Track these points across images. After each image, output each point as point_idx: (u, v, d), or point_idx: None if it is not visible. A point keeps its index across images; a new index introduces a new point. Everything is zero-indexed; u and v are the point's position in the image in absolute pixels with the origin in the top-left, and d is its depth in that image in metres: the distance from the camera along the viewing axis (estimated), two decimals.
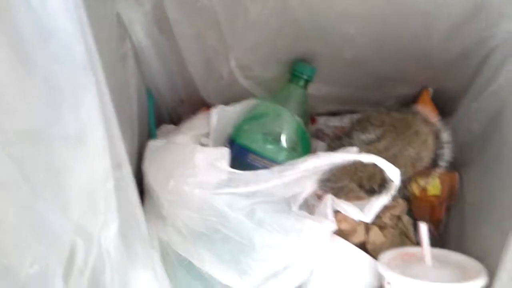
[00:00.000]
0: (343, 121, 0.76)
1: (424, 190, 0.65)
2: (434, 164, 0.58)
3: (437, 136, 0.57)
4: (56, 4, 0.31)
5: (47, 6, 0.30)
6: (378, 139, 0.55)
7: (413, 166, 0.56)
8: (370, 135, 0.56)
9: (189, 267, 0.54)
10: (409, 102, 0.71)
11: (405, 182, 0.58)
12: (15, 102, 0.29)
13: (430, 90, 0.69)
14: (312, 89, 0.65)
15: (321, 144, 0.72)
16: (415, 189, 0.65)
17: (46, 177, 0.32)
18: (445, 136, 0.58)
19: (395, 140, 0.55)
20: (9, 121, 0.29)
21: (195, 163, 0.51)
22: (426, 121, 0.57)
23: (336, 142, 0.59)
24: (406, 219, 0.64)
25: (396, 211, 0.64)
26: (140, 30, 0.58)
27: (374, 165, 0.51)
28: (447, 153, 0.58)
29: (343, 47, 0.60)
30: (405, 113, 0.58)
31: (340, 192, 0.56)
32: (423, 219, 0.62)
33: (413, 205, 0.67)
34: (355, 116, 0.68)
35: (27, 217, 0.30)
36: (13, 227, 0.29)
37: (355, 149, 0.54)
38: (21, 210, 0.30)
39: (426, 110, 0.60)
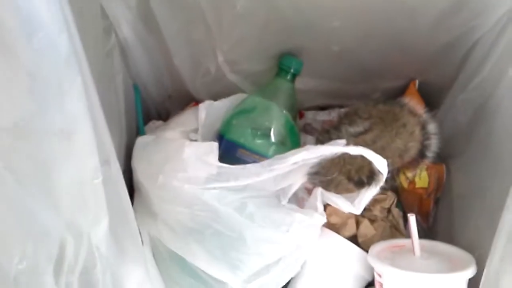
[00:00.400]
0: (331, 115, 0.76)
1: (411, 182, 0.66)
2: (421, 155, 0.58)
3: (424, 128, 0.57)
4: None
5: None
6: (366, 131, 0.55)
7: (400, 157, 0.56)
8: (358, 128, 0.56)
9: (181, 263, 0.53)
10: (396, 94, 0.71)
11: (393, 174, 0.58)
12: (0, 97, 0.29)
13: (417, 82, 0.69)
14: (300, 83, 0.65)
15: (309, 138, 0.72)
16: (403, 181, 0.66)
17: (33, 171, 0.32)
18: (432, 127, 0.58)
19: (382, 132, 0.55)
20: None
21: (184, 158, 0.51)
22: (413, 113, 0.58)
23: (324, 136, 0.59)
24: (396, 211, 0.65)
25: (386, 204, 0.64)
26: (125, 24, 0.57)
27: (362, 157, 0.51)
28: (434, 144, 0.58)
29: (329, 40, 0.61)
30: (392, 106, 0.59)
31: (329, 185, 0.56)
32: (412, 211, 0.63)
33: (401, 197, 0.67)
34: (343, 110, 0.68)
35: (14, 212, 0.30)
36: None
37: (343, 141, 0.54)
38: (8, 204, 0.29)
39: (413, 101, 0.60)
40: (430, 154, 0.58)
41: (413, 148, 0.57)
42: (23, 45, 0.30)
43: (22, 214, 0.31)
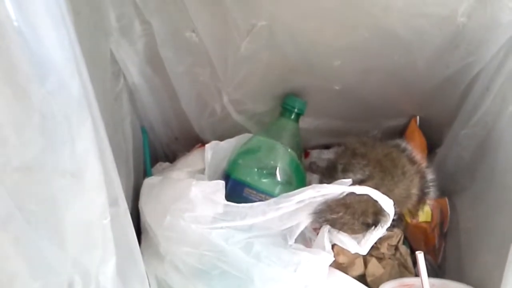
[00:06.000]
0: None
1: (415, 217, 0.65)
2: (420, 200, 0.58)
3: (423, 177, 0.58)
4: (52, 41, 0.31)
5: (43, 42, 0.31)
6: (366, 179, 0.55)
7: (402, 203, 0.56)
8: (358, 176, 0.56)
9: None
10: (398, 132, 0.72)
11: (399, 214, 0.58)
12: (12, 136, 0.30)
13: (418, 118, 0.70)
14: (304, 122, 0.66)
15: (315, 177, 0.72)
16: (406, 216, 0.65)
17: (42, 210, 0.32)
18: (430, 175, 0.58)
19: (382, 180, 0.55)
20: (5, 154, 0.29)
21: (191, 197, 0.51)
22: (412, 161, 0.58)
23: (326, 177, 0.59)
24: (403, 249, 0.64)
25: (393, 241, 0.64)
26: (133, 68, 0.59)
27: (368, 198, 0.51)
28: (433, 192, 0.59)
29: (330, 79, 0.62)
30: (390, 148, 0.59)
31: (335, 224, 0.56)
32: (418, 246, 0.62)
33: (406, 233, 0.67)
34: (339, 150, 0.65)
35: (23, 250, 0.30)
36: (8, 257, 0.29)
37: (349, 181, 0.54)
38: (17, 243, 0.29)
39: (411, 146, 0.60)
40: (429, 199, 0.59)
41: (414, 196, 0.57)
42: (36, 87, 0.31)
43: (31, 253, 0.31)
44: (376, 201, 0.51)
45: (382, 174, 0.55)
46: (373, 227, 0.54)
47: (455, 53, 0.56)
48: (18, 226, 0.30)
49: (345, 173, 0.56)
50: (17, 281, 0.30)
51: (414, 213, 0.62)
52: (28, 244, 0.31)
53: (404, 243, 0.65)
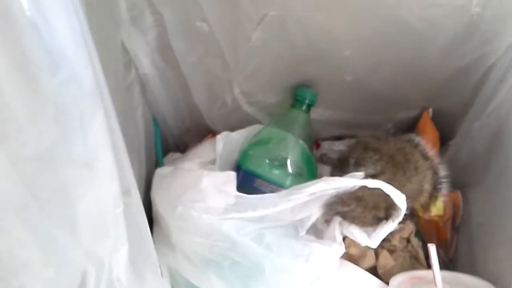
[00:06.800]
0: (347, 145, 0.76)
1: (427, 211, 0.65)
2: (433, 195, 0.58)
3: (435, 172, 0.57)
4: (64, 31, 0.31)
5: (55, 33, 0.31)
6: (378, 174, 0.55)
7: (414, 198, 0.56)
8: (369, 170, 0.55)
9: None
10: (410, 124, 0.71)
11: (411, 209, 0.58)
12: (25, 127, 0.30)
13: (430, 110, 0.69)
14: (315, 113, 0.66)
15: (326, 168, 0.72)
16: (418, 210, 0.65)
17: (55, 199, 0.32)
18: (443, 171, 0.58)
19: (394, 175, 0.55)
20: (20, 144, 0.30)
21: (202, 187, 0.52)
22: (425, 156, 0.58)
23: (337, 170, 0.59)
24: (415, 241, 0.64)
25: (405, 234, 0.63)
26: (144, 59, 0.59)
27: (380, 192, 0.51)
28: (445, 187, 0.59)
29: (341, 70, 0.62)
30: (403, 142, 0.59)
31: (346, 217, 0.56)
32: (430, 240, 0.62)
33: (418, 226, 0.66)
34: (352, 143, 0.65)
35: (37, 239, 0.30)
36: (23, 245, 0.29)
37: (361, 174, 0.54)
38: (32, 231, 0.30)
39: (424, 140, 0.60)
40: (441, 195, 0.58)
41: (426, 191, 0.57)
42: (49, 78, 0.31)
43: (45, 241, 0.31)
44: (388, 195, 0.51)
45: (394, 169, 0.55)
46: (384, 221, 0.54)
47: (469, 43, 0.55)
48: (33, 214, 0.30)
49: (357, 167, 0.56)
50: (32, 268, 0.30)
51: (426, 208, 0.61)
52: (43, 232, 0.31)
53: (416, 235, 0.65)
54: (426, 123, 0.69)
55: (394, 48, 0.57)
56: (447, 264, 0.66)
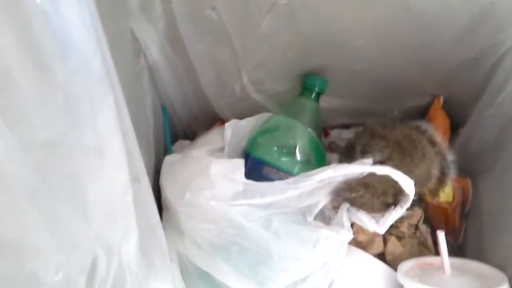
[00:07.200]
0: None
1: (436, 197, 0.65)
2: (441, 181, 0.58)
3: (443, 158, 0.57)
4: (74, 19, 0.32)
5: (65, 20, 0.31)
6: (385, 161, 0.55)
7: (422, 184, 0.56)
8: (377, 157, 0.55)
9: (208, 280, 0.54)
10: (421, 112, 0.71)
11: (419, 195, 0.58)
12: (36, 113, 0.30)
13: (441, 98, 0.69)
14: (324, 102, 0.65)
15: (334, 156, 0.72)
16: (427, 197, 0.65)
17: (66, 185, 0.33)
18: (451, 156, 0.58)
19: (402, 162, 0.55)
20: (31, 130, 0.30)
21: (211, 175, 0.52)
22: (432, 142, 0.58)
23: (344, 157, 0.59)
24: (423, 228, 0.64)
25: (414, 220, 0.63)
26: (153, 46, 0.59)
27: (388, 178, 0.51)
28: (453, 172, 0.58)
29: (352, 59, 0.61)
30: (410, 129, 0.58)
31: (354, 203, 0.56)
32: (438, 226, 0.62)
33: (427, 213, 0.66)
34: (358, 130, 0.65)
35: (48, 222, 0.31)
36: (35, 229, 0.30)
37: (369, 161, 0.54)
38: (44, 217, 0.30)
39: (432, 127, 0.60)
40: (449, 180, 0.58)
41: (434, 177, 0.57)
42: (59, 65, 0.32)
43: (56, 226, 0.32)
44: (396, 181, 0.51)
45: (401, 156, 0.55)
46: (392, 207, 0.54)
47: (481, 31, 0.55)
48: (44, 200, 0.31)
49: (363, 154, 0.56)
50: (43, 253, 0.31)
51: (434, 193, 0.61)
52: (54, 217, 0.32)
53: (424, 222, 0.65)
54: (437, 110, 0.69)
55: (406, 36, 0.57)
56: (455, 250, 0.66)
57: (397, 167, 0.52)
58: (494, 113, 0.60)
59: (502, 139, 0.59)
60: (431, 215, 0.66)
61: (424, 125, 0.60)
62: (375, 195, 0.54)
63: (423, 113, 0.71)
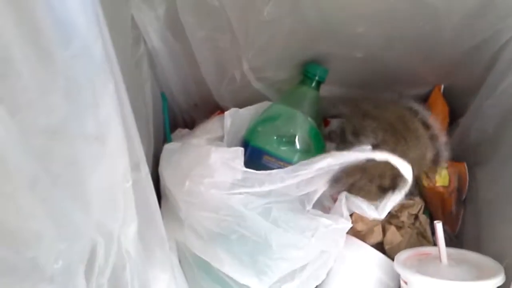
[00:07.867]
0: None
1: (432, 181, 0.65)
2: (436, 163, 0.58)
3: (436, 140, 0.57)
4: (75, 5, 0.31)
5: (66, 6, 0.31)
6: (379, 144, 0.55)
7: (417, 167, 0.56)
8: (370, 140, 0.55)
9: (207, 269, 0.54)
10: (421, 101, 0.71)
11: (416, 180, 0.58)
12: (37, 100, 0.30)
13: (442, 86, 0.69)
14: (324, 91, 0.65)
15: (334, 145, 0.72)
16: (424, 180, 0.65)
17: (67, 172, 0.33)
18: (444, 138, 0.58)
19: (396, 145, 0.55)
20: (32, 117, 0.30)
21: (210, 163, 0.52)
22: (425, 125, 0.58)
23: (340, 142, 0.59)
24: (423, 218, 0.64)
25: (414, 210, 0.64)
26: (153, 33, 0.59)
27: (385, 164, 0.51)
28: (446, 154, 0.58)
29: (353, 47, 0.61)
30: (402, 109, 0.58)
31: (352, 189, 0.56)
32: (435, 211, 0.62)
33: (423, 197, 0.66)
34: (348, 108, 0.65)
35: (49, 210, 0.31)
36: (36, 217, 0.30)
37: (368, 147, 0.54)
38: (44, 204, 0.30)
39: (423, 108, 0.60)
40: (444, 161, 0.58)
41: (428, 159, 0.57)
42: (60, 51, 0.31)
43: (57, 214, 0.32)
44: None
45: (395, 139, 0.55)
46: (390, 192, 0.54)
47: (484, 20, 0.54)
48: (45, 187, 0.31)
49: (356, 136, 0.56)
50: (44, 241, 0.31)
51: (430, 176, 0.61)
52: (55, 205, 0.32)
53: (424, 212, 0.65)
54: (437, 98, 0.69)
55: (407, 24, 0.56)
56: (453, 240, 0.66)
57: (393, 151, 0.52)
58: (494, 103, 0.60)
59: (502, 129, 0.59)
60: (427, 199, 0.66)
61: (415, 106, 0.60)
62: (372, 178, 0.54)
63: (424, 102, 0.71)
